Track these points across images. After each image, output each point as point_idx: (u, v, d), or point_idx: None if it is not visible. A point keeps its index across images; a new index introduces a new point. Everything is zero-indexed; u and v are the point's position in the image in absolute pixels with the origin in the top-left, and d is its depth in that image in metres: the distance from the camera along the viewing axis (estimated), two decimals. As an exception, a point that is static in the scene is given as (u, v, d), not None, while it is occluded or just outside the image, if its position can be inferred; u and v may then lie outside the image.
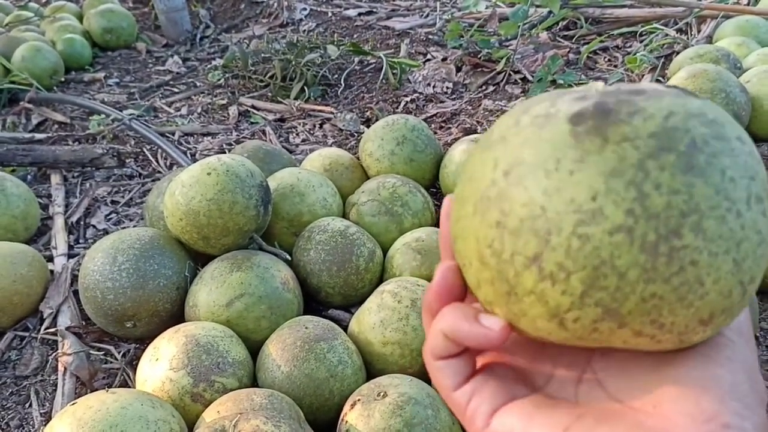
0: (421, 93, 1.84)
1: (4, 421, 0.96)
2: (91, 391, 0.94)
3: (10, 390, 1.01)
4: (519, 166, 0.25)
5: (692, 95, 0.27)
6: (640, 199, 0.23)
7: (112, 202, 1.47)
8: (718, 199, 0.23)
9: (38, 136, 1.69)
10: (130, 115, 1.79)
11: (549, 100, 0.27)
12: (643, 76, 1.71)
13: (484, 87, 1.84)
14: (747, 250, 0.24)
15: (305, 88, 1.90)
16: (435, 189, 1.39)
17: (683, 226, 0.23)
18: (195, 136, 1.74)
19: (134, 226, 1.31)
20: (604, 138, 0.24)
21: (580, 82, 1.73)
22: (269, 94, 1.94)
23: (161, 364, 0.85)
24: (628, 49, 1.96)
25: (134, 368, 1.00)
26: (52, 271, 1.20)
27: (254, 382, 0.90)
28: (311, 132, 1.74)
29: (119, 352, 1.04)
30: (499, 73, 1.87)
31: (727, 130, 0.25)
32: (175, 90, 2.07)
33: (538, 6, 2.07)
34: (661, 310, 0.24)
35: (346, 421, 0.77)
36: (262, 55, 2.06)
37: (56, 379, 1.00)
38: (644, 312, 0.24)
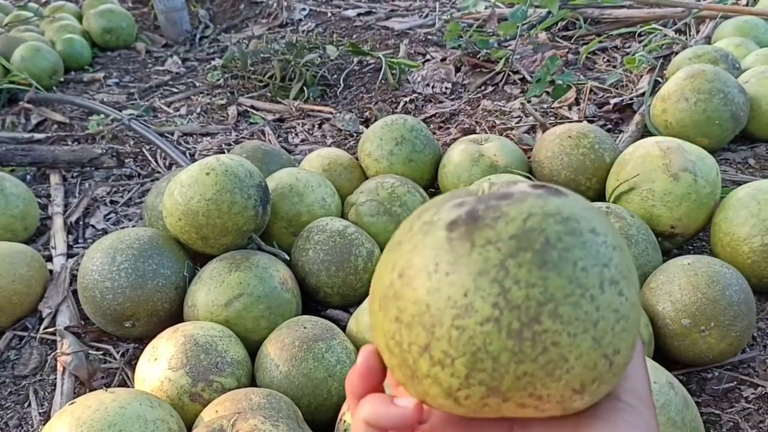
0: (420, 93, 1.84)
1: (3, 421, 0.96)
2: (90, 391, 0.94)
3: (9, 389, 1.01)
4: (409, 269, 0.30)
5: (557, 194, 0.30)
6: (503, 293, 0.27)
7: (111, 202, 1.47)
8: (571, 288, 0.27)
9: (37, 136, 1.69)
10: (129, 115, 1.79)
11: (435, 207, 0.31)
12: (641, 76, 1.71)
13: (483, 87, 1.84)
14: (605, 328, 0.28)
15: (304, 88, 1.90)
16: (434, 189, 1.39)
17: (542, 314, 0.27)
18: (194, 136, 1.75)
19: (133, 226, 1.31)
20: (471, 242, 0.28)
21: (579, 82, 1.74)
22: (268, 94, 1.94)
23: (160, 363, 0.85)
24: (627, 50, 1.96)
25: (133, 368, 1.00)
26: (51, 271, 1.20)
27: (253, 382, 0.90)
28: (310, 132, 1.74)
29: (118, 352, 1.04)
30: (498, 73, 1.87)
31: (581, 225, 0.29)
32: (175, 90, 2.07)
33: (537, 6, 2.07)
34: (534, 384, 0.28)
35: (344, 421, 0.77)
36: (261, 55, 2.06)
37: (55, 378, 1.01)
38: (521, 387, 0.28)
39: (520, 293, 0.27)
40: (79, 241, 1.34)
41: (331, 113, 1.79)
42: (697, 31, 1.93)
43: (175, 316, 1.03)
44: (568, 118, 1.62)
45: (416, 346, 0.29)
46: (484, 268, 0.28)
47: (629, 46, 1.98)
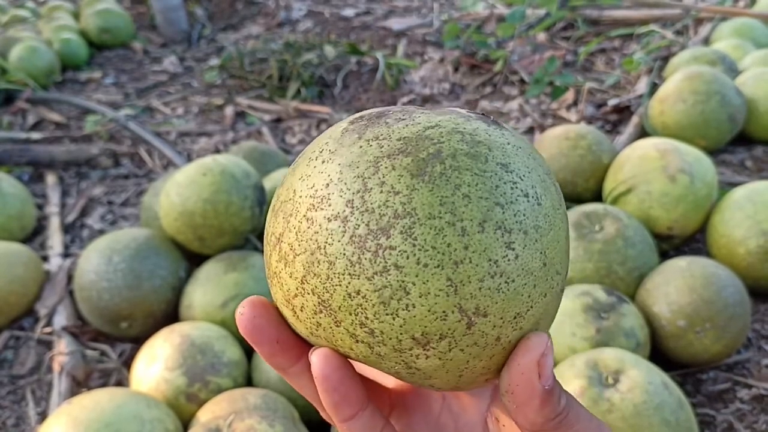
0: (418, 94, 1.84)
1: (1, 420, 0.96)
2: (87, 391, 0.94)
3: (7, 389, 1.01)
4: (300, 156, 0.27)
5: (490, 123, 0.26)
6: (362, 192, 0.23)
7: (108, 202, 1.47)
8: (439, 209, 0.23)
9: (34, 135, 1.69)
10: (126, 115, 1.79)
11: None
12: (639, 77, 1.71)
13: (481, 88, 1.85)
14: (468, 274, 0.23)
15: (302, 88, 1.90)
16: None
17: (394, 227, 0.23)
18: (191, 136, 1.74)
19: (130, 227, 1.31)
20: (360, 135, 0.25)
21: (577, 83, 1.74)
22: (266, 94, 1.94)
23: (156, 364, 0.85)
24: (626, 51, 1.96)
25: (130, 368, 1.00)
26: (47, 271, 1.20)
27: (249, 382, 0.90)
28: (308, 132, 1.74)
29: (115, 352, 1.04)
30: (496, 74, 1.87)
31: (492, 154, 0.24)
32: (172, 90, 2.07)
33: (535, 7, 2.07)
34: (366, 311, 0.23)
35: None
36: (259, 55, 2.06)
37: (52, 378, 1.00)
38: (351, 310, 0.24)
39: (378, 197, 0.23)
40: (76, 241, 1.33)
41: (328, 113, 1.79)
42: (695, 33, 1.94)
43: (172, 316, 1.03)
44: (566, 119, 1.62)
45: (274, 236, 0.26)
46: (354, 161, 0.24)
47: (628, 48, 1.98)
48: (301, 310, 0.25)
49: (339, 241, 0.23)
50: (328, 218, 0.24)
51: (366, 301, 0.23)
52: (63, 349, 1.02)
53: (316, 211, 0.24)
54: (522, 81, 1.83)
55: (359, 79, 1.96)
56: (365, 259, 0.23)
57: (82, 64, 2.24)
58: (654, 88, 1.58)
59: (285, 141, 1.70)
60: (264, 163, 1.30)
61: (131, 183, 1.54)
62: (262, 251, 1.04)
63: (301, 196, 0.25)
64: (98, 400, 0.75)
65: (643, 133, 1.43)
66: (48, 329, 1.08)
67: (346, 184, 0.24)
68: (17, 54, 2.00)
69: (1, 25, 2.39)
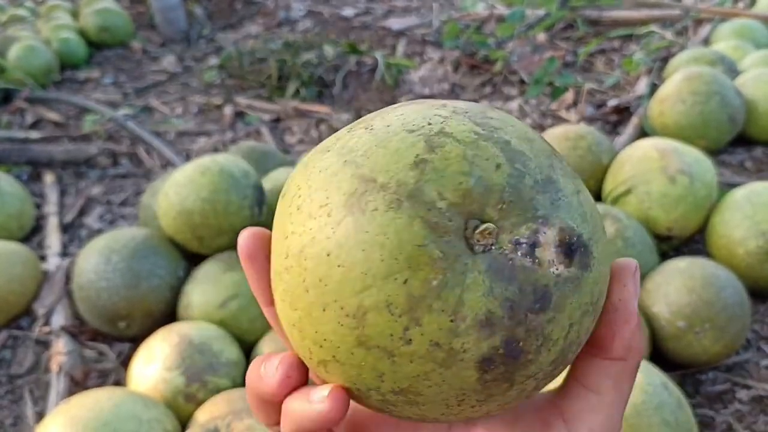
0: (417, 94, 1.84)
1: (-2, 420, 0.96)
2: (85, 390, 0.94)
3: (5, 389, 1.01)
4: (417, 396, 0.23)
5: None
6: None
7: (107, 201, 1.47)
8: None
9: (33, 135, 1.68)
10: (124, 114, 1.79)
11: (443, 307, 0.22)
12: (639, 78, 1.71)
13: (481, 88, 1.84)
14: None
15: (300, 88, 1.90)
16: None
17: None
18: (190, 135, 1.74)
19: (129, 226, 1.31)
20: (511, 383, 0.22)
21: (577, 84, 1.74)
22: (265, 94, 1.93)
23: (155, 363, 0.85)
24: (625, 52, 1.96)
25: (128, 368, 1.00)
26: (46, 271, 1.20)
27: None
28: (307, 132, 1.74)
29: (113, 352, 1.04)
30: (496, 74, 1.87)
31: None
32: (170, 89, 2.06)
33: (535, 8, 2.07)
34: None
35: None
36: (257, 56, 2.05)
37: (50, 378, 1.00)
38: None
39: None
40: (74, 240, 1.33)
41: (327, 113, 1.79)
42: (695, 34, 1.94)
43: (170, 316, 1.02)
44: (566, 119, 1.62)
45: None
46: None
47: (628, 48, 1.98)
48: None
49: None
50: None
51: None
52: (61, 348, 1.02)
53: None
54: (522, 81, 1.83)
55: (359, 79, 1.96)
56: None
57: (81, 64, 2.23)
58: (654, 88, 1.58)
59: (284, 141, 1.70)
60: (263, 163, 1.30)
61: (130, 182, 1.53)
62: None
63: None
64: (96, 399, 0.74)
65: (642, 133, 1.43)
66: (46, 329, 1.08)
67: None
68: (16, 53, 2.00)
69: (0, 24, 2.39)
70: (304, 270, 0.22)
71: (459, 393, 0.22)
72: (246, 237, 0.26)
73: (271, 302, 0.26)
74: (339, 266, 0.21)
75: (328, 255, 0.21)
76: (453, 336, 0.21)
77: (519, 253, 0.21)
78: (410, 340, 0.21)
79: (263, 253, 0.26)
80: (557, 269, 0.22)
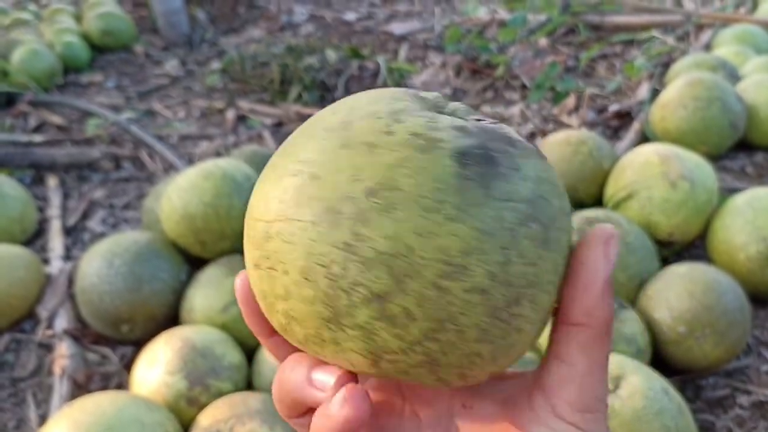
0: (419, 98, 1.84)
1: (2, 423, 0.96)
2: (88, 394, 0.94)
3: (7, 392, 1.01)
4: (392, 191, 0.22)
5: (545, 158, 0.26)
6: (504, 264, 0.22)
7: (110, 205, 1.47)
8: (553, 277, 0.24)
9: (36, 138, 1.69)
10: (127, 118, 1.79)
11: (423, 116, 0.24)
12: (640, 83, 1.72)
13: (482, 93, 1.85)
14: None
15: (303, 92, 1.90)
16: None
17: (524, 297, 0.23)
18: (192, 139, 1.75)
19: (131, 230, 1.31)
20: (487, 191, 0.23)
21: (579, 88, 1.74)
22: (267, 98, 1.94)
23: (157, 367, 0.85)
24: (627, 57, 1.97)
25: (130, 371, 1.00)
26: (49, 274, 1.20)
27: (250, 386, 0.90)
28: (309, 136, 1.74)
29: (116, 355, 1.04)
30: (498, 79, 1.88)
31: (566, 203, 0.26)
32: (173, 93, 2.07)
33: (536, 13, 2.08)
34: (473, 367, 0.24)
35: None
36: (259, 60, 2.06)
37: (53, 381, 1.01)
38: (459, 365, 0.23)
39: (518, 269, 0.23)
40: (77, 244, 1.34)
41: (330, 117, 1.79)
42: (696, 39, 1.94)
43: (173, 319, 1.03)
44: (567, 124, 1.62)
45: (365, 289, 0.23)
46: (492, 229, 0.23)
47: (629, 53, 1.99)
48: (391, 363, 0.23)
49: (475, 313, 0.22)
50: (467, 290, 0.22)
51: (480, 359, 0.24)
52: (64, 352, 1.02)
53: (451, 281, 0.22)
54: (523, 86, 1.83)
55: (360, 83, 1.96)
56: (496, 327, 0.23)
57: (84, 67, 2.24)
58: (655, 94, 1.58)
59: (286, 145, 1.70)
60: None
61: (132, 186, 1.54)
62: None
63: (424, 258, 0.22)
64: (99, 403, 0.75)
65: (644, 138, 1.44)
66: (49, 332, 1.08)
67: (487, 255, 0.22)
68: (19, 57, 2.01)
69: (3, 28, 2.39)
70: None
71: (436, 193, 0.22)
72: (242, 279, 0.28)
73: (270, 333, 0.28)
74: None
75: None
76: (432, 130, 0.23)
77: None
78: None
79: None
80: None
